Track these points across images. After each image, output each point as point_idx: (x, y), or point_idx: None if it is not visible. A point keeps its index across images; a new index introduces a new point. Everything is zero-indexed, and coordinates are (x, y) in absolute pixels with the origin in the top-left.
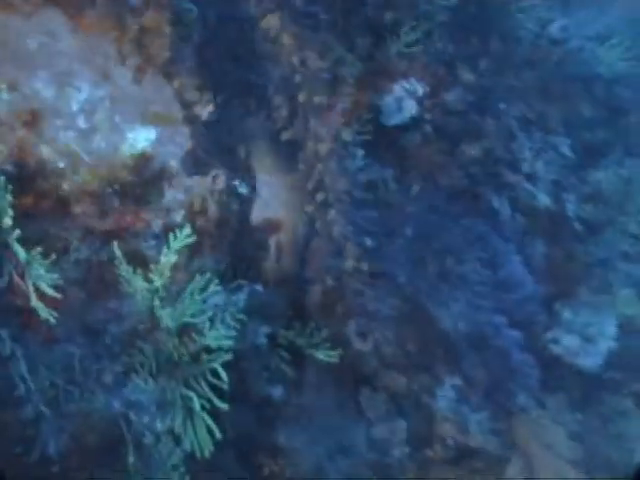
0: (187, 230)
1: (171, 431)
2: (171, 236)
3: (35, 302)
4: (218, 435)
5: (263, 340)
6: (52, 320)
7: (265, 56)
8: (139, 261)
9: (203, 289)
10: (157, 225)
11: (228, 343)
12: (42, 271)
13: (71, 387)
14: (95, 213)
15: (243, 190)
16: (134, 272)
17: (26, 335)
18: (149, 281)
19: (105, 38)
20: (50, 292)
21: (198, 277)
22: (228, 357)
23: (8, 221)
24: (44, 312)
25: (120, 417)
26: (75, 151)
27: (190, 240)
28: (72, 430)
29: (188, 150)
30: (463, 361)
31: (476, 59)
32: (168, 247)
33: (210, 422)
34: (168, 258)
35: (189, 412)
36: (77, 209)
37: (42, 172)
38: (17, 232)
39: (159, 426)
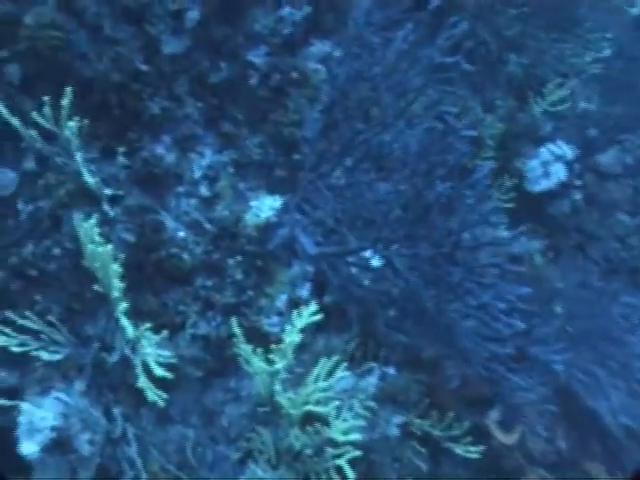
0: (313, 307)
1: None
2: (296, 313)
3: (143, 381)
4: None
5: (395, 431)
6: (161, 403)
7: (399, 115)
8: (260, 339)
9: (330, 373)
10: (281, 300)
11: (356, 437)
12: (151, 348)
13: (183, 473)
14: (216, 286)
15: (376, 262)
16: (254, 351)
17: (140, 413)
18: (270, 362)
19: None
20: (159, 371)
21: (324, 359)
22: (356, 453)
23: (116, 293)
24: (152, 393)
25: None
26: (197, 220)
27: (317, 318)
28: None
29: (316, 219)
30: (625, 460)
31: (634, 118)
32: (292, 325)
33: None
34: (292, 338)
35: None
36: (197, 281)
37: (161, 241)
38: (124, 306)
39: None
